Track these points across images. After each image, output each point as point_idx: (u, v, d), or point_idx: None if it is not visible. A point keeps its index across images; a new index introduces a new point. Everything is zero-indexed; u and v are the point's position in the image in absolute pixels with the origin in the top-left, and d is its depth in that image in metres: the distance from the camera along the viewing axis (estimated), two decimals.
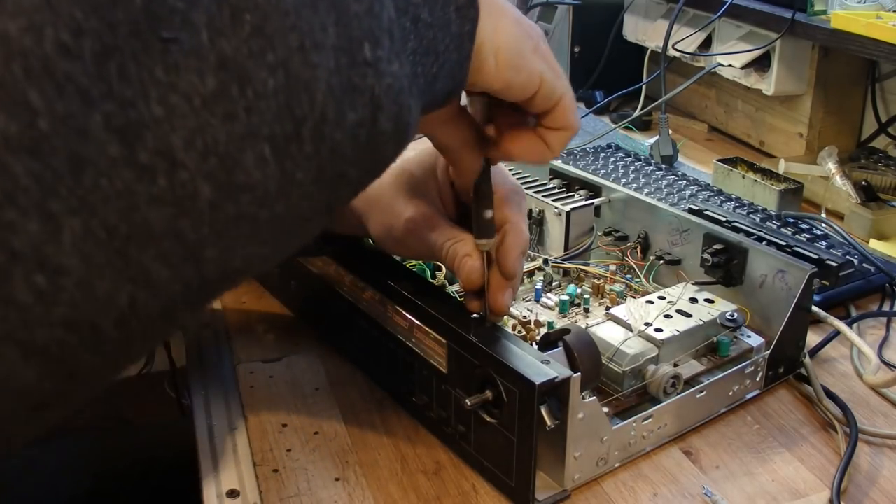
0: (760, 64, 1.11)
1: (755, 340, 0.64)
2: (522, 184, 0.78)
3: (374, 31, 0.35)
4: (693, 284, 0.67)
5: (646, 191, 0.95)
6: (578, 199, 0.76)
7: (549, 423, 0.48)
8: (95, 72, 0.26)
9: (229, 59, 0.29)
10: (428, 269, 0.69)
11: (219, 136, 0.29)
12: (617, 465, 0.55)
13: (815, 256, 0.69)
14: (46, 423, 0.30)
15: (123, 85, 0.27)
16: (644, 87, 1.27)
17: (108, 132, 0.26)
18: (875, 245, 0.88)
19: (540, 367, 0.49)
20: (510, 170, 0.82)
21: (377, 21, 0.35)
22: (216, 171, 0.29)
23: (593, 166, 1.04)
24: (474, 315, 0.54)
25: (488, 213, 0.52)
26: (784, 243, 0.70)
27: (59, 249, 0.26)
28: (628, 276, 0.73)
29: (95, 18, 0.26)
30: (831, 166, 0.96)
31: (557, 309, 0.68)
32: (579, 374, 0.49)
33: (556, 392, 0.49)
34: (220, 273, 0.31)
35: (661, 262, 0.72)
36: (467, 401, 0.51)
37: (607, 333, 0.60)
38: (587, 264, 0.74)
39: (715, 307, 0.64)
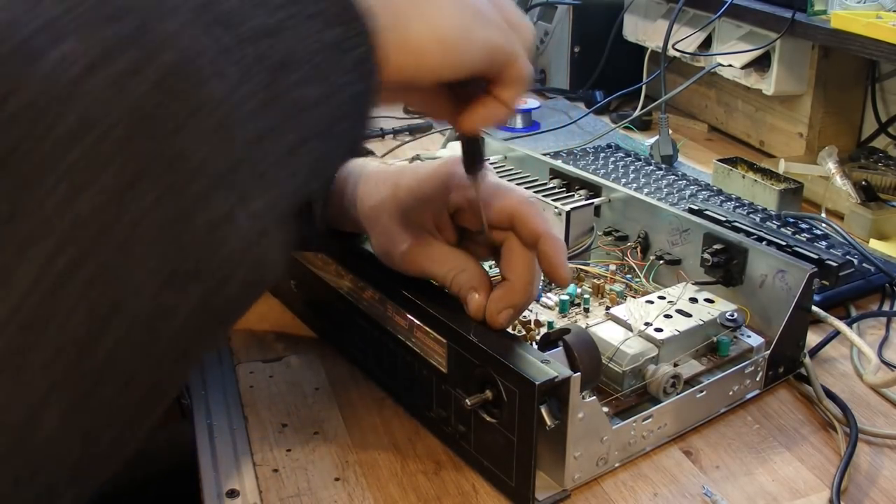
0: (760, 64, 1.11)
1: (755, 340, 0.64)
2: (522, 184, 0.78)
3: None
4: (693, 284, 0.67)
5: (646, 191, 0.95)
6: (578, 199, 0.76)
7: (549, 422, 0.48)
8: None
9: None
10: None
11: None
12: (617, 464, 0.55)
13: (815, 256, 0.69)
14: None
15: None
16: (644, 87, 1.27)
17: None
18: (875, 245, 0.88)
19: (540, 366, 0.49)
20: (508, 169, 0.82)
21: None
22: None
23: (593, 166, 1.04)
24: None
25: (477, 147, 0.51)
26: (784, 243, 0.70)
27: None
28: (628, 276, 0.73)
29: None
30: (831, 166, 0.96)
31: (557, 309, 0.68)
32: (579, 373, 0.49)
33: (556, 392, 0.49)
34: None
35: (661, 262, 0.72)
36: (467, 401, 0.51)
37: (607, 333, 0.60)
38: (587, 264, 0.74)
39: (715, 307, 0.64)
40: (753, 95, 1.18)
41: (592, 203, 0.76)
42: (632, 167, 1.04)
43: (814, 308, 0.68)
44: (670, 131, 1.13)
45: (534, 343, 0.57)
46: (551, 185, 0.79)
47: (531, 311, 0.67)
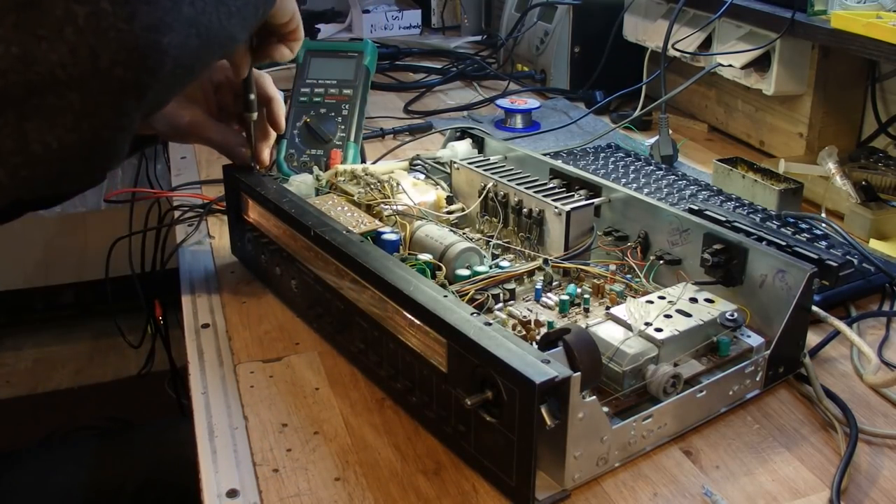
0: (760, 64, 1.11)
1: (755, 340, 0.64)
2: (522, 184, 0.78)
3: None
4: (693, 284, 0.67)
5: (646, 191, 0.95)
6: (578, 199, 0.76)
7: (549, 422, 0.48)
8: None
9: None
10: (428, 269, 0.69)
11: None
12: (617, 464, 0.55)
13: (815, 256, 0.69)
14: None
15: None
16: (644, 87, 1.27)
17: None
18: (875, 245, 0.88)
19: (540, 366, 0.49)
20: (508, 169, 0.82)
21: None
22: None
23: (593, 166, 1.04)
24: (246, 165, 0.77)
25: (252, 96, 0.75)
26: (784, 243, 0.70)
27: None
28: (628, 276, 0.73)
29: None
30: (831, 166, 0.96)
31: (557, 309, 0.68)
32: (579, 373, 0.49)
33: (556, 392, 0.49)
34: None
35: (661, 262, 0.72)
36: (467, 400, 0.51)
37: (607, 333, 0.60)
38: (587, 264, 0.74)
39: (715, 307, 0.64)
40: (753, 95, 1.18)
41: (592, 203, 0.76)
42: (632, 167, 1.04)
43: (814, 308, 0.68)
44: (670, 131, 1.13)
45: (534, 343, 0.57)
46: (551, 185, 0.79)
47: (531, 310, 0.67)
